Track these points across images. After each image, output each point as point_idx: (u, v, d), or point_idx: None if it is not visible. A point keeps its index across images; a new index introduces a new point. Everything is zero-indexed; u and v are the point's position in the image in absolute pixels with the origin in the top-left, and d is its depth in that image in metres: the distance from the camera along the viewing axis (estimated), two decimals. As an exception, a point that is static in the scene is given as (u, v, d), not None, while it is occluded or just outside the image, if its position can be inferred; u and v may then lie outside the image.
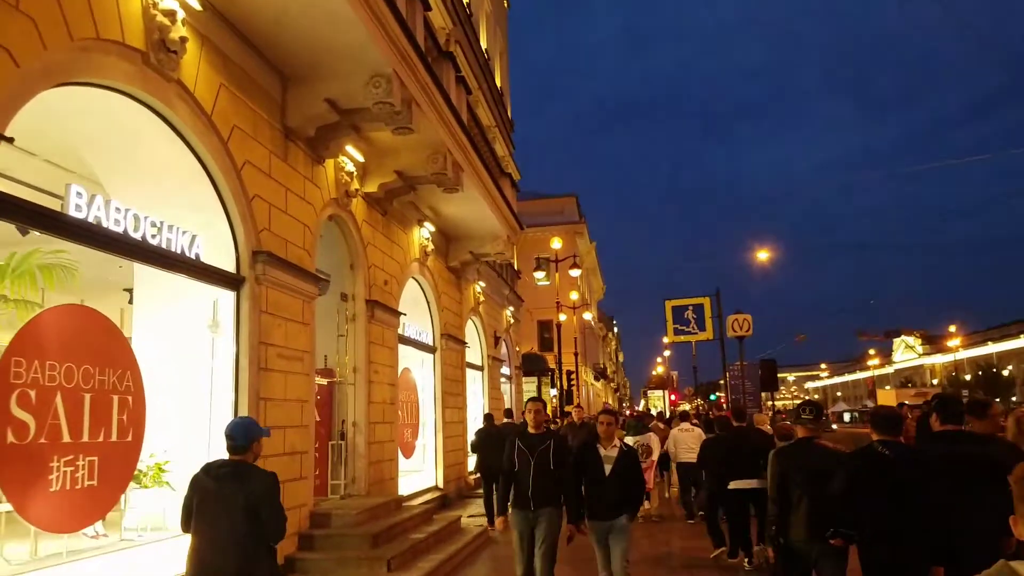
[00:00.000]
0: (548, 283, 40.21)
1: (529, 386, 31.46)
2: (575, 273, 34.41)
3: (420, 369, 14.85)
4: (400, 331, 13.40)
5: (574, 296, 44.38)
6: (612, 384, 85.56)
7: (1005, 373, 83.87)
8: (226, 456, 4.48)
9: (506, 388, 24.43)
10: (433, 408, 15.19)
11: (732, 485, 8.76)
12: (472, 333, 19.35)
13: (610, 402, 74.58)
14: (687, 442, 12.25)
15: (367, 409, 11.11)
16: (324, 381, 10.76)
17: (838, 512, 4.76)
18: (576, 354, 43.13)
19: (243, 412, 7.50)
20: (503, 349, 23.97)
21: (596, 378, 62.07)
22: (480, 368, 20.05)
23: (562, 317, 39.47)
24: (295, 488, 8.41)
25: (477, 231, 15.69)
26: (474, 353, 19.35)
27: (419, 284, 14.63)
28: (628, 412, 39.19)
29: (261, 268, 7.94)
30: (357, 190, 10.84)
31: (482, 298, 19.34)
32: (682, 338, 17.98)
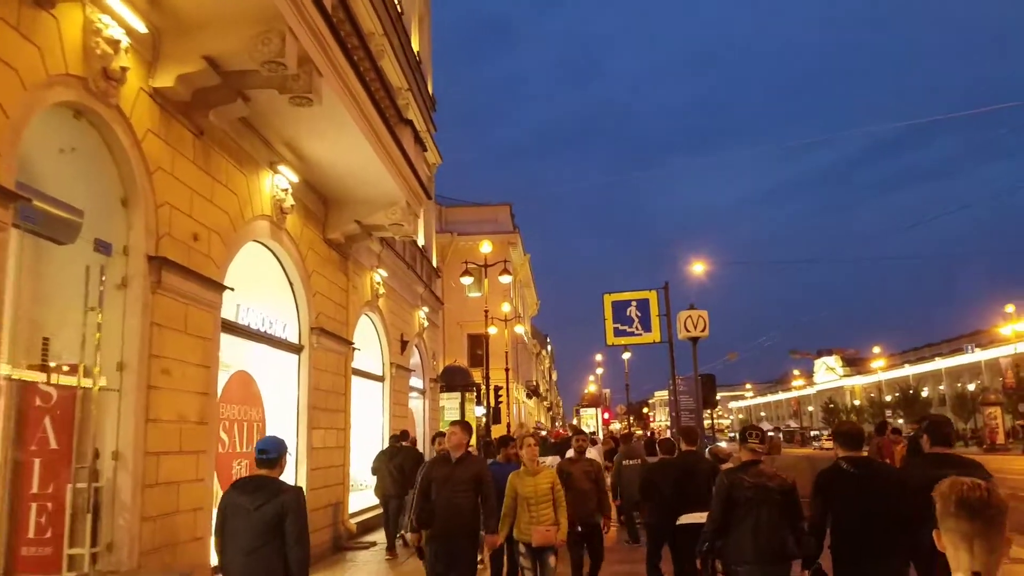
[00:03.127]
0: (479, 294, 35.89)
1: (451, 403, 26.80)
2: (505, 280, 30.11)
3: (273, 374, 10.31)
4: (232, 316, 8.92)
5: (506, 308, 40.18)
6: (545, 402, 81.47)
7: (924, 394, 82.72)
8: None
9: (417, 405, 19.90)
10: (296, 429, 10.65)
11: (683, 520, 7.16)
12: (367, 333, 14.84)
13: (543, 421, 70.44)
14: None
15: (142, 431, 6.58)
16: (49, 384, 6.15)
17: (807, 538, 4.76)
18: (507, 370, 38.80)
19: None
20: (415, 358, 19.47)
21: (528, 396, 57.82)
22: (380, 379, 15.53)
23: (492, 330, 35.32)
24: None
25: (364, 192, 11.26)
26: (370, 359, 14.84)
27: (273, 254, 10.11)
28: (552, 433, 34.98)
29: None
30: (125, 69, 6.36)
31: (382, 290, 14.84)
32: (624, 340, 13.73)
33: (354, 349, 12.78)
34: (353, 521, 12.55)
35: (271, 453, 4.63)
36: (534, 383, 62.02)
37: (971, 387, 70.81)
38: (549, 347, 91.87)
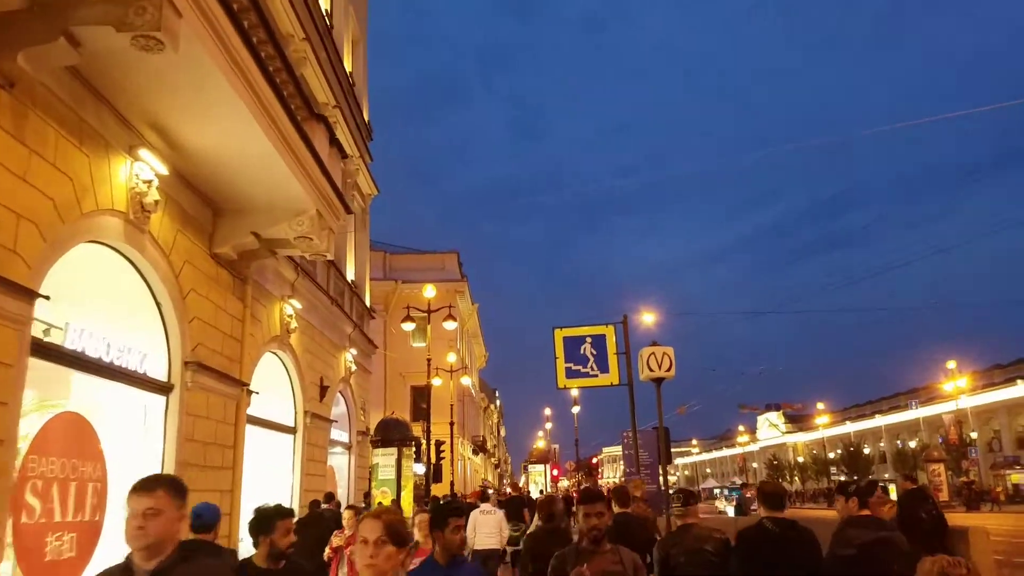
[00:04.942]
0: (423, 343, 33.53)
1: (386, 459, 24.01)
2: (450, 326, 27.92)
3: (125, 419, 7.81)
4: (54, 338, 6.53)
5: (451, 358, 37.82)
6: (492, 459, 78.36)
7: (867, 451, 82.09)
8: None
9: (341, 461, 17.31)
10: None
11: None
12: (275, 375, 12.36)
13: (489, 478, 67.35)
14: (488, 525, 10.72)
15: None
16: None
17: None
18: (452, 423, 36.23)
19: None
20: (340, 407, 16.96)
21: (475, 452, 54.93)
22: (291, 430, 13.01)
23: (437, 381, 32.79)
24: None
25: (262, 196, 8.98)
26: (277, 406, 12.35)
27: (131, 262, 7.75)
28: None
29: None
30: None
31: (295, 325, 12.46)
32: (578, 382, 11.52)
33: (250, 392, 10.33)
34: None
35: (206, 517, 4.71)
36: (481, 438, 59.16)
37: (912, 444, 70.14)
38: (498, 401, 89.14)
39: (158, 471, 8.15)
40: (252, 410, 10.75)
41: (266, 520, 4.52)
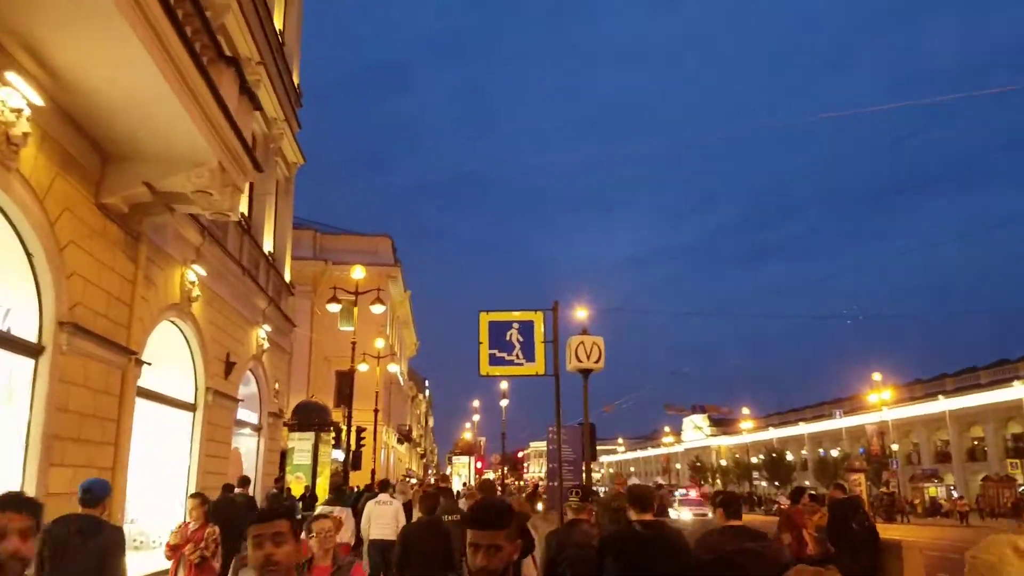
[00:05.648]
0: (350, 327, 32.60)
1: (302, 444, 23.08)
2: (378, 310, 27.00)
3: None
4: None
5: (379, 344, 36.89)
6: (419, 449, 77.47)
7: (789, 457, 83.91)
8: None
9: (249, 443, 16.37)
10: (22, 466, 7.22)
11: None
12: (172, 346, 11.42)
13: (414, 468, 66.51)
14: (383, 516, 10.43)
15: None
16: None
17: None
18: (376, 411, 35.36)
19: None
20: (250, 387, 16.03)
21: (400, 441, 54.03)
22: (190, 407, 12.08)
23: (363, 367, 31.90)
24: None
25: (156, 142, 8.11)
26: (174, 380, 11.42)
27: (-9, 204, 6.84)
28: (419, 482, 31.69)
29: None
30: None
31: (197, 293, 11.52)
32: (501, 370, 10.88)
33: (140, 362, 9.42)
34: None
35: (95, 491, 5.04)
36: (407, 427, 58.29)
37: (834, 452, 71.97)
38: (427, 391, 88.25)
39: (21, 444, 7.28)
40: (144, 382, 9.85)
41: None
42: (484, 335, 10.82)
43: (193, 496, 8.08)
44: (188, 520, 7.79)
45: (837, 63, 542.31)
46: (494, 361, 10.76)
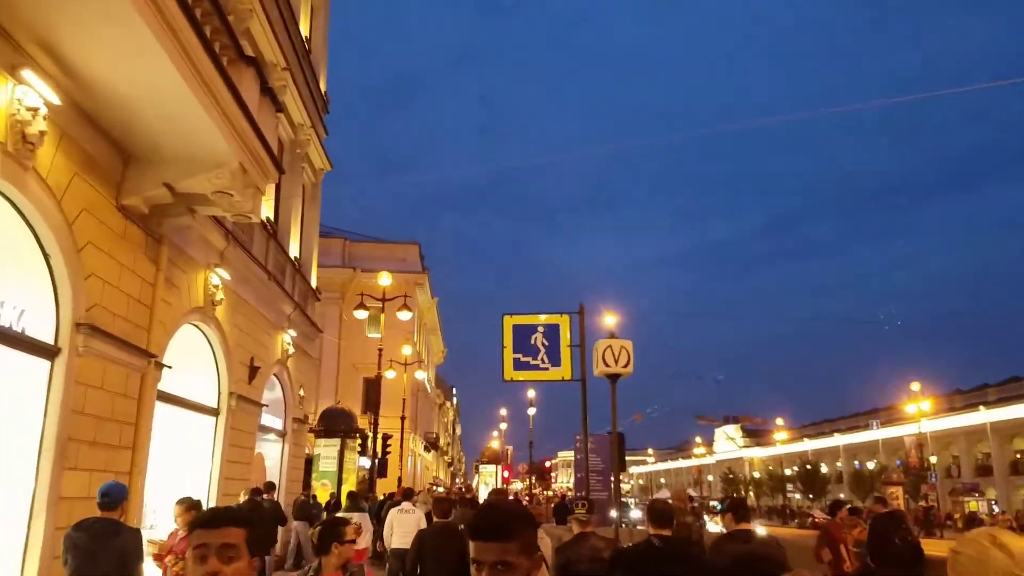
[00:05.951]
0: (377, 334, 32.58)
1: (328, 451, 23.03)
2: (405, 316, 27.00)
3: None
4: None
5: (407, 351, 36.81)
6: (446, 457, 77.35)
7: (824, 470, 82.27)
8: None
9: (273, 449, 16.31)
10: (35, 469, 7.15)
11: None
12: (195, 350, 11.37)
13: (441, 476, 66.36)
14: (406, 525, 10.28)
15: None
16: None
17: None
18: (403, 418, 35.29)
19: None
20: (274, 392, 15.97)
21: (427, 448, 53.93)
22: (213, 411, 12.02)
23: (390, 374, 31.79)
24: None
25: (176, 142, 8.02)
26: (197, 384, 11.36)
27: (10, 201, 6.75)
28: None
29: None
30: None
31: (221, 296, 11.47)
32: (526, 375, 10.66)
33: (161, 365, 9.34)
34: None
35: (113, 495, 5.27)
36: (434, 435, 58.20)
37: (871, 465, 70.41)
38: (455, 399, 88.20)
39: (35, 445, 7.20)
40: (165, 386, 9.78)
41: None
42: (508, 339, 10.62)
43: (179, 502, 7.53)
44: (178, 529, 7.50)
45: (860, 54, 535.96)
46: (519, 366, 10.55)
